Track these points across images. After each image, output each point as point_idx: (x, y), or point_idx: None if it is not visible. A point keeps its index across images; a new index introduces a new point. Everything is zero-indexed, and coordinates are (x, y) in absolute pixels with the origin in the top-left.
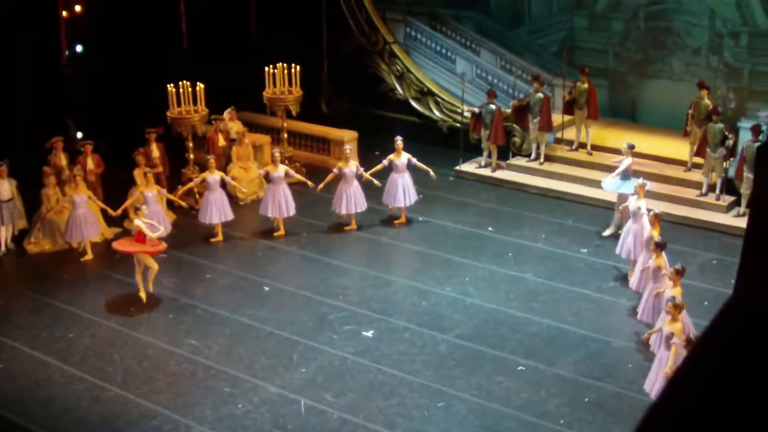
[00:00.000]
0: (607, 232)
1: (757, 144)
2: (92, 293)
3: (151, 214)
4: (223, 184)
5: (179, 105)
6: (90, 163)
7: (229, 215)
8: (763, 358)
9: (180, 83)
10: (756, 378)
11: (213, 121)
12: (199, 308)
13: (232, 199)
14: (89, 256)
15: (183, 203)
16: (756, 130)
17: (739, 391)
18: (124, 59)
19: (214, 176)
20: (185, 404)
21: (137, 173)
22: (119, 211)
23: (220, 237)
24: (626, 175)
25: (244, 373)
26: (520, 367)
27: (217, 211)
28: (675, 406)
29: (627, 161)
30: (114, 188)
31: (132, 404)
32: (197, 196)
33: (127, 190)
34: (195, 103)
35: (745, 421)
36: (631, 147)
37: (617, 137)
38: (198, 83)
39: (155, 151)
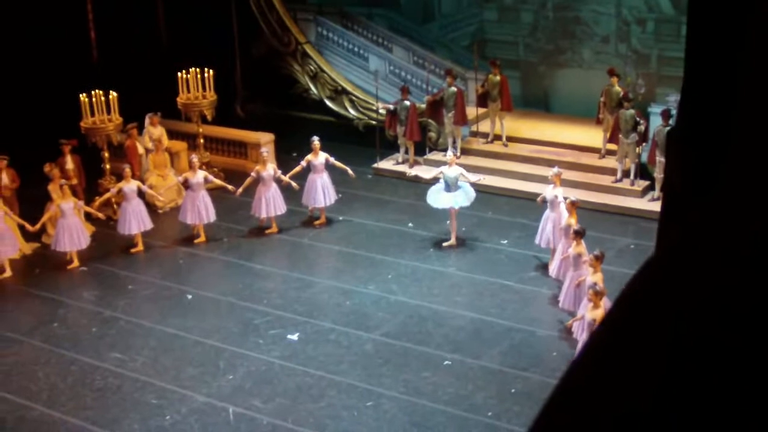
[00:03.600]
0: (446, 243)
1: (668, 128)
2: (13, 311)
3: (69, 227)
4: (141, 193)
5: (93, 115)
6: (5, 178)
7: (148, 224)
8: (669, 317)
9: (92, 92)
10: (669, 337)
11: (127, 130)
12: (123, 320)
13: (151, 208)
14: (8, 273)
15: (101, 215)
16: (666, 115)
17: (655, 355)
18: (32, 71)
19: (130, 186)
20: (113, 419)
21: (52, 187)
22: (37, 227)
23: (140, 247)
24: (450, 186)
25: (171, 384)
26: (447, 362)
27: (135, 220)
28: (589, 374)
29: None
30: (30, 203)
31: (58, 422)
32: (115, 206)
33: (44, 204)
34: (109, 112)
35: (662, 383)
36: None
37: (531, 127)
38: (111, 92)
39: (70, 162)
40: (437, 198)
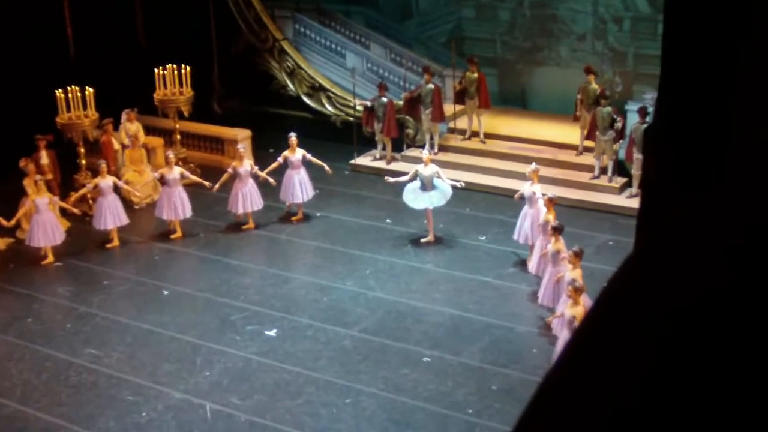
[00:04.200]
0: (424, 239)
1: (645, 125)
2: None
3: (43, 222)
4: (117, 189)
5: (69, 110)
6: None
7: (124, 219)
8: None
9: (68, 88)
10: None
11: (103, 126)
12: (98, 316)
13: (127, 203)
14: None
15: (76, 210)
16: (643, 112)
17: (641, 352)
18: (8, 66)
19: (106, 181)
20: (88, 416)
21: (27, 182)
22: (12, 222)
23: (116, 242)
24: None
25: (147, 380)
26: (426, 358)
27: (111, 216)
28: (572, 373)
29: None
30: (5, 198)
31: (32, 419)
32: (90, 202)
33: (19, 200)
34: (85, 107)
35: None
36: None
37: (509, 125)
38: (87, 88)
39: (44, 158)
40: (414, 198)
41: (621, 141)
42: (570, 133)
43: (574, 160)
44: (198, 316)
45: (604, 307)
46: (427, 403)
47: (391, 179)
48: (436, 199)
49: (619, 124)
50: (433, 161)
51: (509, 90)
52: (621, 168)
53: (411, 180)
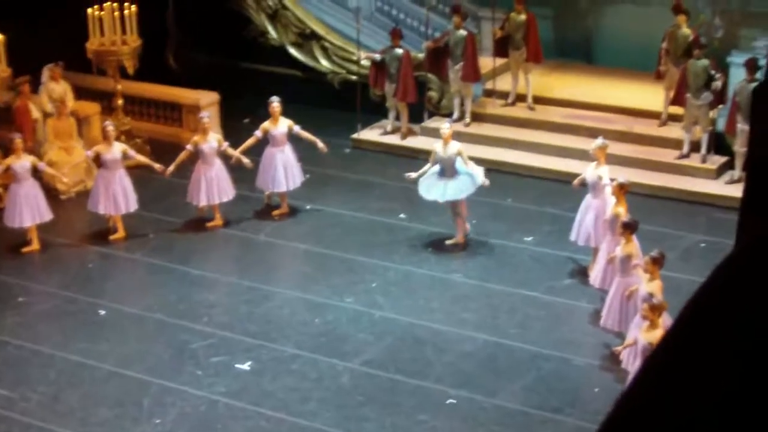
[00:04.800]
0: (450, 241)
1: (754, 84)
2: None
3: None
4: (37, 173)
5: None
6: None
7: (46, 215)
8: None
9: None
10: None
11: (16, 87)
12: (11, 345)
13: (50, 193)
14: None
15: None
16: (752, 66)
17: (731, 378)
18: None
19: (21, 162)
20: None
21: None
22: None
23: (35, 245)
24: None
25: (78, 431)
26: (450, 400)
27: (28, 209)
28: (651, 397)
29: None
30: None
31: None
32: (0, 190)
33: None
34: None
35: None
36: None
37: (567, 85)
38: None
39: None
40: (427, 186)
41: (720, 106)
42: (650, 95)
43: (656, 132)
44: (146, 343)
45: (687, 328)
46: None
47: (414, 174)
48: (455, 190)
49: (718, 83)
50: (457, 137)
51: (569, 37)
52: (720, 143)
53: (433, 165)
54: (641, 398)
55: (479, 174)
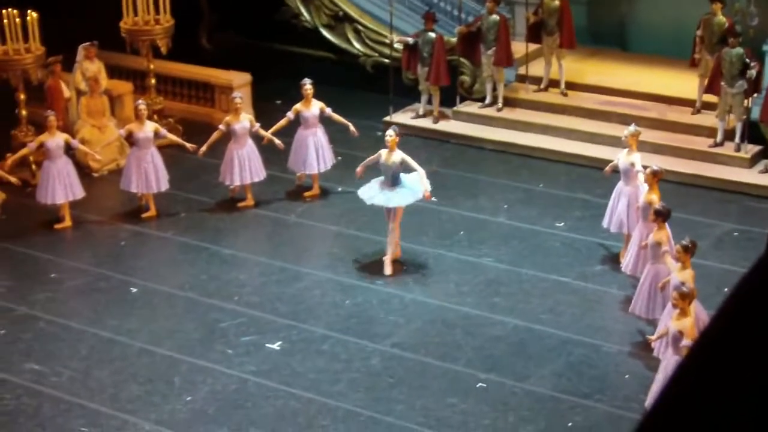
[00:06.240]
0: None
1: None
2: None
3: None
4: (70, 150)
5: (4, 42)
6: None
7: (79, 192)
8: None
9: (5, 11)
10: None
11: (49, 65)
12: (42, 320)
13: (83, 170)
14: None
15: (13, 179)
16: None
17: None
18: None
19: (55, 139)
20: None
21: None
22: None
23: (67, 222)
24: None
25: (108, 407)
26: (480, 384)
27: (61, 186)
28: (682, 404)
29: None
30: None
31: None
32: (34, 167)
33: None
34: (26, 39)
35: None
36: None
37: (600, 71)
38: (30, 11)
39: None
40: (369, 191)
41: (755, 95)
42: (684, 83)
43: (690, 120)
44: (177, 322)
45: (727, 324)
46: None
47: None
48: (398, 198)
49: (753, 72)
50: (489, 122)
51: (603, 23)
52: (754, 132)
53: (376, 161)
54: (681, 393)
55: (419, 189)
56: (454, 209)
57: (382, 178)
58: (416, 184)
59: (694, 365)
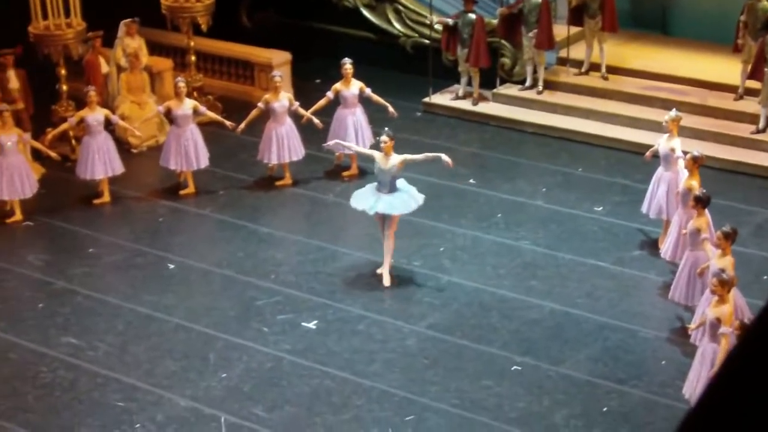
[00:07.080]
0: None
1: None
2: None
3: (9, 168)
4: (110, 126)
5: (45, 17)
6: None
7: (118, 168)
8: None
9: None
10: None
11: (89, 41)
12: (80, 294)
13: (122, 146)
14: None
15: (53, 153)
16: None
17: None
18: None
19: (95, 115)
20: (62, 426)
21: None
22: None
23: (106, 197)
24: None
25: (144, 382)
26: (516, 367)
27: (101, 162)
28: (719, 412)
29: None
30: None
31: None
32: (74, 142)
33: None
34: (68, 14)
35: None
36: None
37: (642, 55)
38: None
39: (13, 80)
40: (365, 201)
41: None
42: (727, 68)
43: (732, 106)
44: (213, 299)
45: (751, 345)
46: (514, 426)
47: (332, 143)
48: (387, 204)
49: None
50: (530, 105)
51: (645, 7)
52: None
53: (366, 155)
54: (721, 395)
55: (418, 195)
56: (492, 192)
57: (375, 184)
58: (413, 190)
59: (743, 355)
